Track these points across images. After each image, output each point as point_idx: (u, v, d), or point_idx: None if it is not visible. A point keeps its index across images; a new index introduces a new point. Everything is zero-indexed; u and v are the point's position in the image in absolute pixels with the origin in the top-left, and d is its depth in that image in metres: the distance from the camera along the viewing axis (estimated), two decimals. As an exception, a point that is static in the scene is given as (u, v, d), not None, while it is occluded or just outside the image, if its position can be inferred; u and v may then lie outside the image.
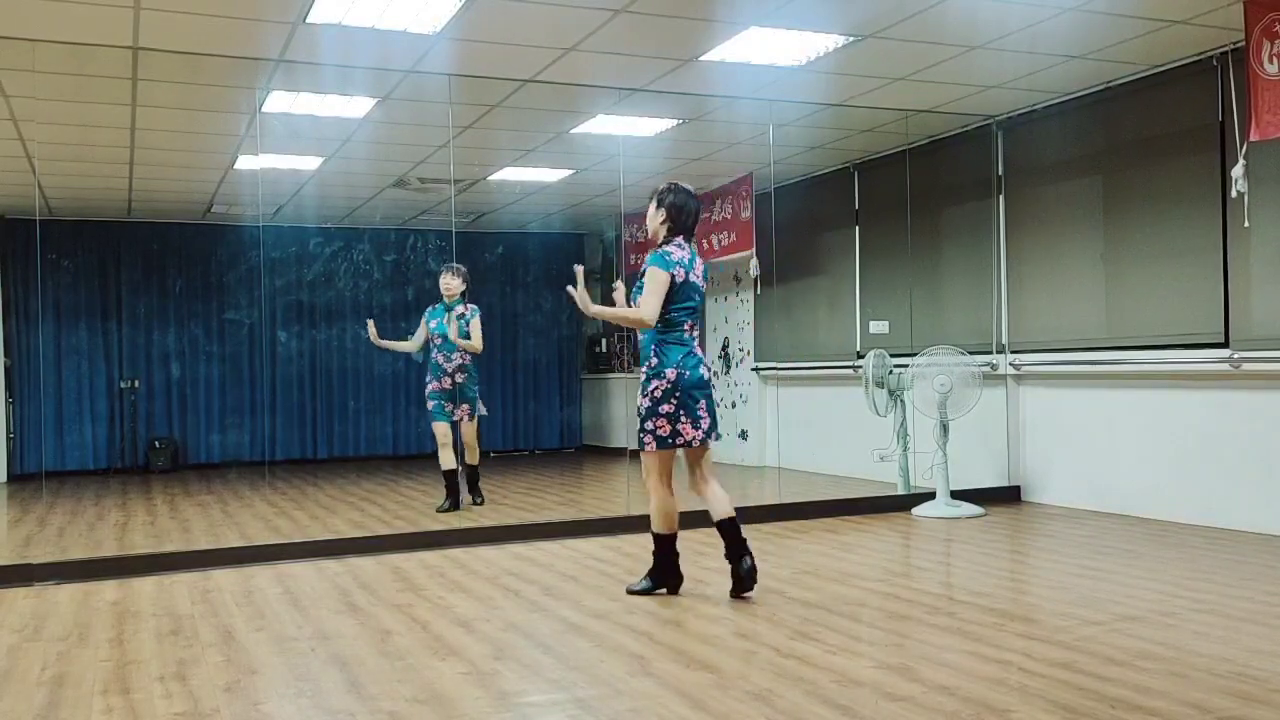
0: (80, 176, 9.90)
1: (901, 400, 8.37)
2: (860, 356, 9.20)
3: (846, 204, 10.33)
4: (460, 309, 8.33)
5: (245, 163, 9.42)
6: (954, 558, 6.33)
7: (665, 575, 5.26)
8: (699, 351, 5.16)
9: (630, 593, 5.27)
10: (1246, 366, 6.65)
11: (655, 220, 5.18)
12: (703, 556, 6.34)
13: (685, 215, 5.14)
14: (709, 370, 5.20)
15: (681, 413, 5.04)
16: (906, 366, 8.29)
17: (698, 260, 5.16)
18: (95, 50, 6.31)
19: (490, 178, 10.42)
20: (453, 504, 8.38)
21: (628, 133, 8.75)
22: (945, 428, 7.98)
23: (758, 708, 3.48)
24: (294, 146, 8.90)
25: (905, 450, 8.44)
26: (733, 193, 10.58)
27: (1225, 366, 6.76)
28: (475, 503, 8.65)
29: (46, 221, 11.94)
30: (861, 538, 6.95)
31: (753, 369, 11.73)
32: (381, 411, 13.67)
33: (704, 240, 11.13)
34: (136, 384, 12.68)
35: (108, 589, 5.70)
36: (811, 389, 10.97)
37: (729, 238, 10.70)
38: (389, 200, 11.49)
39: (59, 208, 11.62)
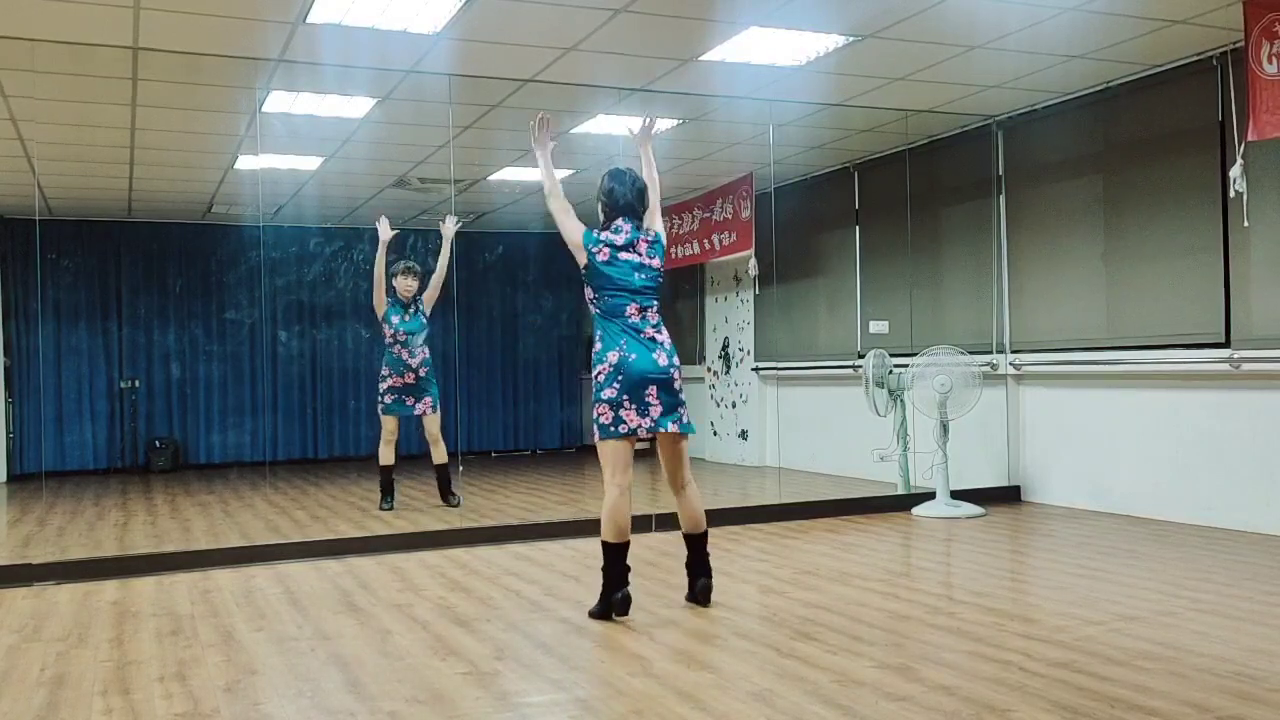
0: (80, 176, 9.90)
1: (901, 400, 8.37)
2: (860, 356, 9.20)
3: (846, 204, 10.33)
4: (413, 309, 8.40)
5: (245, 163, 9.42)
6: (954, 558, 6.33)
7: (610, 590, 4.72)
8: (657, 336, 4.85)
9: (591, 616, 4.78)
10: (1246, 366, 6.65)
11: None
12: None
13: (616, 197, 4.99)
14: (667, 358, 4.82)
15: (625, 398, 4.71)
16: (906, 366, 8.29)
17: (642, 238, 4.94)
18: (95, 50, 6.31)
19: (490, 178, 10.41)
20: (392, 502, 8.39)
21: (628, 133, 8.73)
22: (945, 428, 7.98)
23: (758, 708, 3.48)
24: (294, 146, 8.90)
25: (905, 450, 8.44)
26: (733, 192, 10.58)
27: (1225, 366, 6.76)
28: (451, 504, 8.43)
29: (46, 221, 11.94)
30: (862, 538, 6.95)
31: (753, 369, 11.73)
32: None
33: (704, 240, 11.14)
34: (137, 384, 12.67)
35: (108, 589, 5.70)
36: (811, 389, 10.97)
37: (729, 237, 10.70)
38: (389, 200, 11.48)
39: (59, 208, 11.62)
